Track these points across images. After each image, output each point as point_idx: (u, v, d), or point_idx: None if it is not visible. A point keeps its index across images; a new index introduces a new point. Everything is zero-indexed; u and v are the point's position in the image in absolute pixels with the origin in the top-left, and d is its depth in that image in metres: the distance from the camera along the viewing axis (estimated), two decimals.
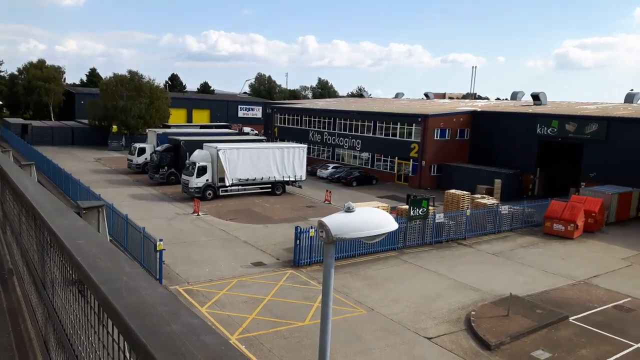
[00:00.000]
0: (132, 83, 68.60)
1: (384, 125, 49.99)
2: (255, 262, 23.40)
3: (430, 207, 27.09)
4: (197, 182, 36.68)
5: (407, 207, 28.06)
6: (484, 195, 32.21)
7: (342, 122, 54.93)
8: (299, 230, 22.97)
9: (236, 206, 35.69)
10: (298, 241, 22.94)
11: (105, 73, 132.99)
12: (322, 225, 3.73)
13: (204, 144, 39.28)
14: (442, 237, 27.84)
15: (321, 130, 57.75)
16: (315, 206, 36.92)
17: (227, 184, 37.64)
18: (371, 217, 3.85)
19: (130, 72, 70.69)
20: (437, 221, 27.37)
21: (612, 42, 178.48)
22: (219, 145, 37.73)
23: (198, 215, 32.36)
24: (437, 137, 46.09)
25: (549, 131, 41.69)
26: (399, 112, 50.02)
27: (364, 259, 24.44)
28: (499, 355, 15.62)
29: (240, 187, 38.53)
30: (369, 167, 50.60)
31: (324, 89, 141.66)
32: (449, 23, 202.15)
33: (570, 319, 18.20)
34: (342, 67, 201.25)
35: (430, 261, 24.55)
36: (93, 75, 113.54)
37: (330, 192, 38.55)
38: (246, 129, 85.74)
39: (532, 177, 43.08)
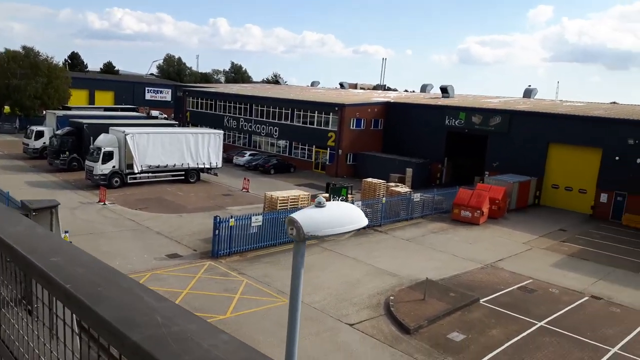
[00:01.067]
0: (27, 60, 62.66)
1: (302, 113, 49.88)
2: (170, 254, 22.33)
3: (349, 195, 27.42)
4: (102, 168, 34.32)
5: (326, 195, 28.22)
6: (398, 184, 33.26)
7: (260, 108, 54.06)
8: (217, 220, 22.21)
9: (146, 194, 33.90)
10: (217, 231, 22.18)
11: None
12: (292, 222, 3.40)
13: (110, 127, 36.78)
14: None
15: (237, 116, 56.47)
16: (232, 194, 36.06)
17: (136, 171, 35.63)
18: (342, 212, 3.57)
19: (24, 48, 64.61)
20: None
21: (509, 40, 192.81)
22: (127, 130, 35.54)
23: (104, 204, 30.32)
24: (353, 126, 46.82)
25: (456, 123, 43.89)
26: (317, 101, 50.10)
27: (284, 248, 24.18)
28: (417, 338, 16.15)
29: (150, 174, 36.64)
30: (287, 155, 50.36)
31: (237, 74, 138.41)
32: (360, 15, 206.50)
33: (481, 301, 19.28)
34: (255, 52, 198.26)
35: (349, 248, 24.86)
36: None
37: (248, 180, 37.81)
38: (154, 113, 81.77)
39: (440, 166, 45.21)
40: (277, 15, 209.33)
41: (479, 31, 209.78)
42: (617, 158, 34.61)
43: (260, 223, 23.52)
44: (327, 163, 47.28)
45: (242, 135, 56.16)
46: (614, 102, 56.58)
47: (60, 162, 38.91)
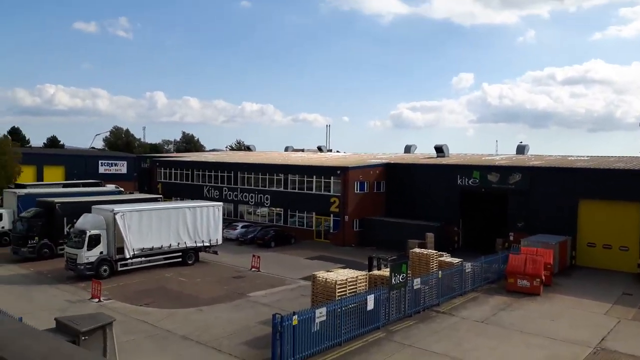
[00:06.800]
0: None
1: (296, 178, 45.71)
2: None
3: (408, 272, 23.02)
4: (88, 255, 28.33)
5: (379, 272, 23.74)
6: (441, 253, 29.22)
7: (246, 176, 49.44)
8: (279, 320, 17.07)
9: (144, 284, 28.04)
10: (278, 334, 17.00)
11: None
12: None
13: (94, 206, 31.02)
14: (419, 306, 23.83)
15: (220, 185, 51.44)
16: (243, 276, 30.68)
17: (128, 256, 29.76)
18: None
19: None
20: (415, 287, 23.34)
21: (437, 105, 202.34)
22: (116, 208, 29.94)
23: (100, 301, 24.25)
24: (357, 190, 43.04)
25: (470, 182, 41.07)
26: (315, 165, 46.28)
27: (351, 347, 19.25)
28: None
29: (143, 258, 30.78)
30: (282, 224, 45.53)
31: (189, 144, 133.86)
32: (298, 87, 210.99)
33: None
34: (195, 124, 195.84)
35: (428, 340, 20.19)
36: None
37: (258, 257, 32.55)
38: (110, 187, 75.20)
39: (456, 229, 41.80)
40: (215, 87, 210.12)
41: (410, 98, 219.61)
42: None
43: (325, 318, 18.57)
44: (332, 231, 42.81)
45: (226, 206, 50.91)
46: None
47: (28, 250, 32.34)
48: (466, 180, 41.37)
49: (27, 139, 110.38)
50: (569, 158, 45.44)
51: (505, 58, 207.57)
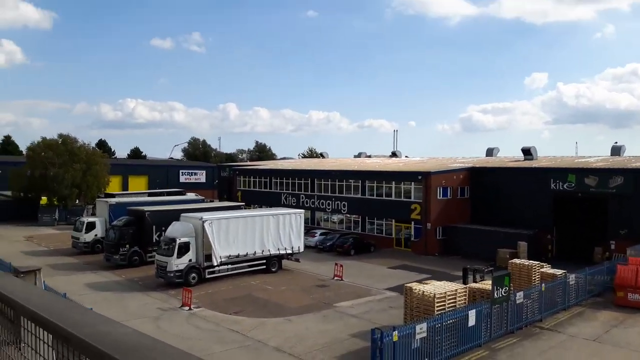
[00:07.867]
0: (63, 147, 59.18)
1: (374, 184, 44.72)
2: None
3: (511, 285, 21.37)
4: (178, 263, 28.82)
5: (479, 285, 22.26)
6: (542, 264, 27.13)
7: (323, 182, 49.09)
8: (378, 336, 16.18)
9: (232, 292, 28.11)
10: (378, 351, 16.10)
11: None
12: None
13: (182, 214, 31.68)
14: (522, 322, 22.08)
15: (297, 192, 51.45)
16: (327, 285, 30.08)
17: (215, 263, 30.05)
18: None
19: (61, 135, 61.51)
20: (517, 302, 21.64)
21: (510, 106, 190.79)
22: (205, 215, 30.38)
23: (190, 309, 24.47)
24: (439, 196, 41.38)
25: (565, 186, 38.24)
26: (395, 170, 45.14)
27: None
28: None
29: (230, 266, 31.00)
30: (360, 231, 44.67)
31: (262, 152, 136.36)
32: (364, 93, 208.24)
33: None
34: (264, 133, 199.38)
35: None
36: (7, 143, 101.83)
37: (340, 265, 31.85)
38: (190, 195, 77.69)
39: (550, 237, 39.02)
40: (284, 97, 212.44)
41: (480, 100, 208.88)
42: None
43: (425, 334, 17.47)
44: (413, 239, 41.39)
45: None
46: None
47: (120, 257, 33.54)
48: (560, 184, 38.56)
49: (112, 150, 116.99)
50: None
51: (581, 56, 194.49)
